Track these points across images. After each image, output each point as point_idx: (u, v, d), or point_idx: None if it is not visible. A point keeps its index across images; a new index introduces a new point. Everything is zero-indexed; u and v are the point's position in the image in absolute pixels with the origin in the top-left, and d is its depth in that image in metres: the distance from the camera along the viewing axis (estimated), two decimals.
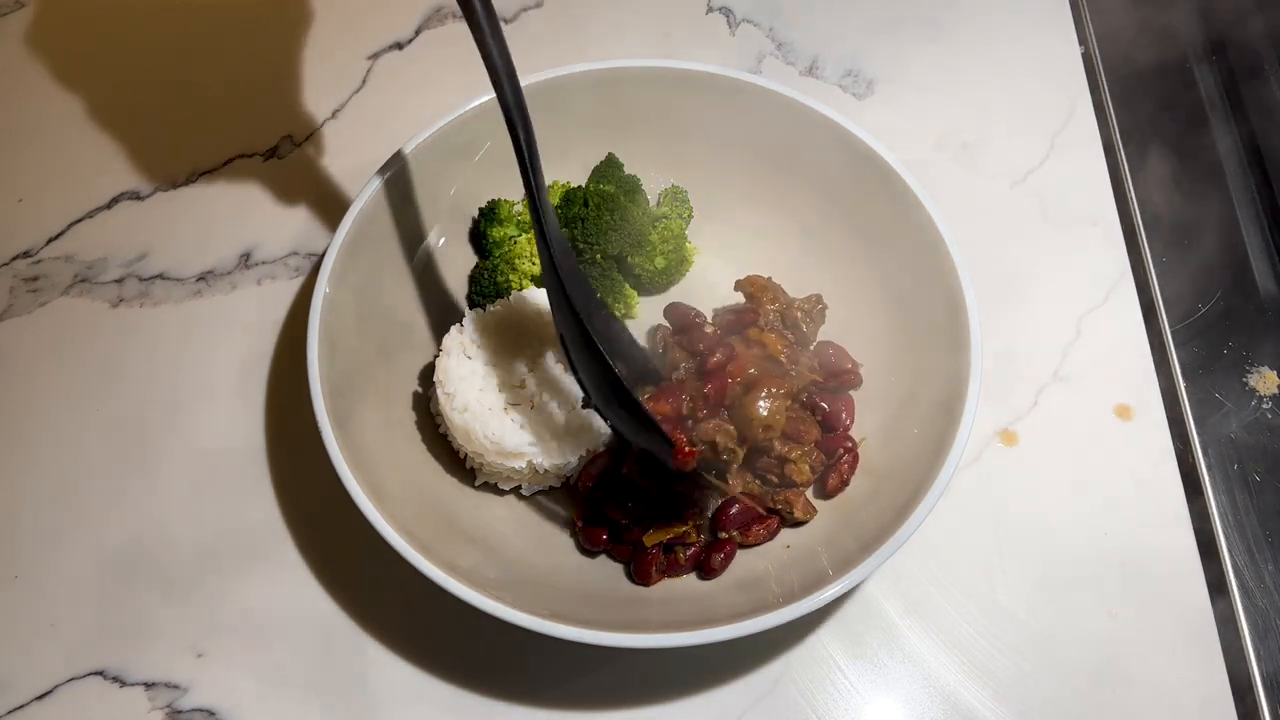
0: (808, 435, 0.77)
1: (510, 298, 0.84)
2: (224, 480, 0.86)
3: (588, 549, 0.78)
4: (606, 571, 0.77)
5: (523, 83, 0.87)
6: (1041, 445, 0.86)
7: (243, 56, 1.12)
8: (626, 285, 0.90)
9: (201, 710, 0.76)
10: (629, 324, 0.90)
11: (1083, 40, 1.11)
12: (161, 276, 0.97)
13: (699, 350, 0.79)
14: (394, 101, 1.08)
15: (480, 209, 0.92)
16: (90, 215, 1.01)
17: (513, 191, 0.93)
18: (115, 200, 1.02)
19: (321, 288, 0.79)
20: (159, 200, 1.02)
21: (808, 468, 0.77)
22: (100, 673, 0.78)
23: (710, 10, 1.14)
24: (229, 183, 1.03)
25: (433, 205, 0.89)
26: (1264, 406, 0.88)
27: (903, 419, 0.79)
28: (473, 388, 0.78)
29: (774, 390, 0.75)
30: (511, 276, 0.87)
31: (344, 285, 0.80)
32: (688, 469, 0.69)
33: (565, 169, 0.92)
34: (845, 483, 0.78)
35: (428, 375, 0.84)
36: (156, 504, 0.85)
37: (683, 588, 0.76)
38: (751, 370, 0.77)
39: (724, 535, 0.76)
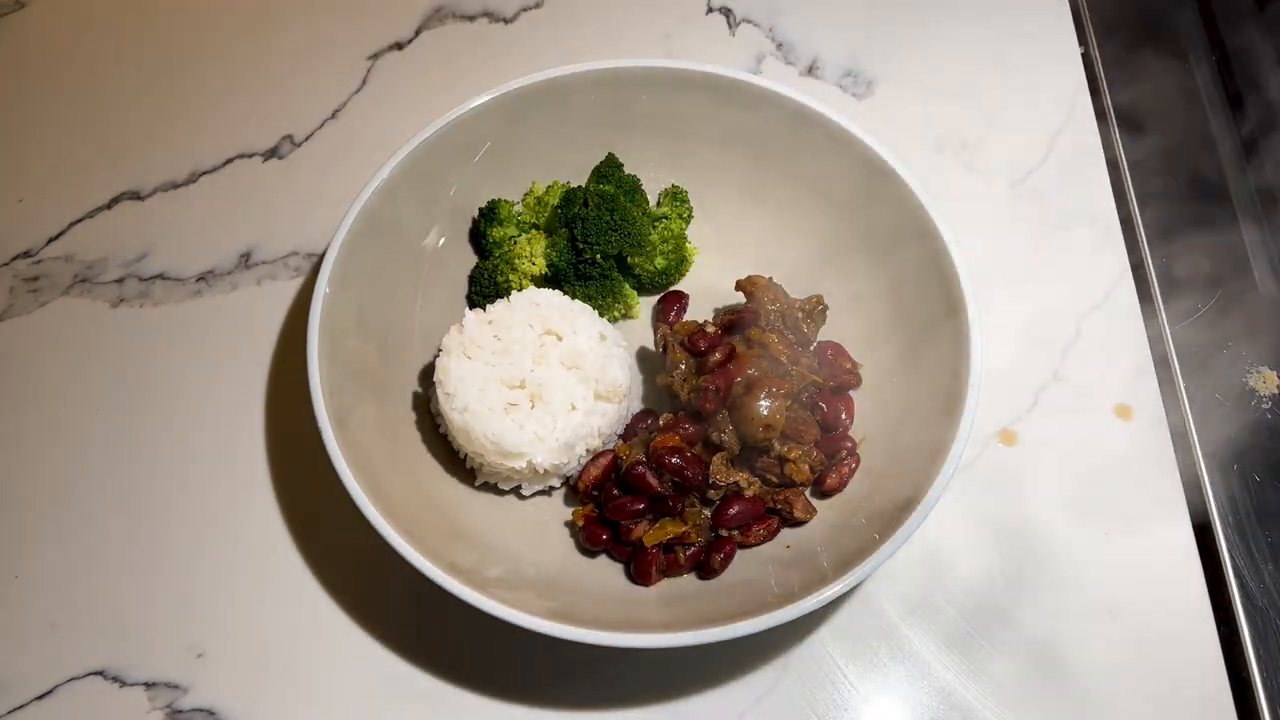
0: (808, 435, 0.77)
1: (510, 298, 0.84)
2: (224, 480, 0.86)
3: (588, 549, 0.78)
4: (606, 571, 0.77)
5: (523, 83, 0.88)
6: (1041, 445, 0.86)
7: (243, 56, 1.12)
8: (626, 285, 0.90)
9: (201, 710, 0.76)
10: (629, 324, 0.91)
11: (1083, 40, 1.11)
12: (161, 276, 0.97)
13: (700, 350, 0.79)
14: (394, 101, 1.08)
15: (480, 209, 0.92)
16: (90, 215, 1.02)
17: (513, 191, 0.93)
18: (115, 200, 1.02)
19: (321, 288, 0.79)
20: (159, 200, 1.02)
21: (808, 468, 0.77)
22: (100, 673, 0.78)
23: (710, 10, 1.14)
24: (229, 183, 1.03)
25: (433, 205, 0.89)
26: (1264, 406, 0.88)
27: (902, 419, 0.79)
28: (473, 388, 0.78)
29: (774, 390, 0.76)
30: (511, 276, 0.87)
31: (344, 285, 0.80)
32: None
33: (565, 169, 0.92)
34: (845, 483, 0.78)
35: (428, 375, 0.84)
36: (156, 503, 0.85)
37: (683, 588, 0.76)
38: (751, 370, 0.77)
39: (724, 535, 0.76)
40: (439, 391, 0.79)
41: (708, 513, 0.78)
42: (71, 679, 0.78)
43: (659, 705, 0.75)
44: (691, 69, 0.89)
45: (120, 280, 0.97)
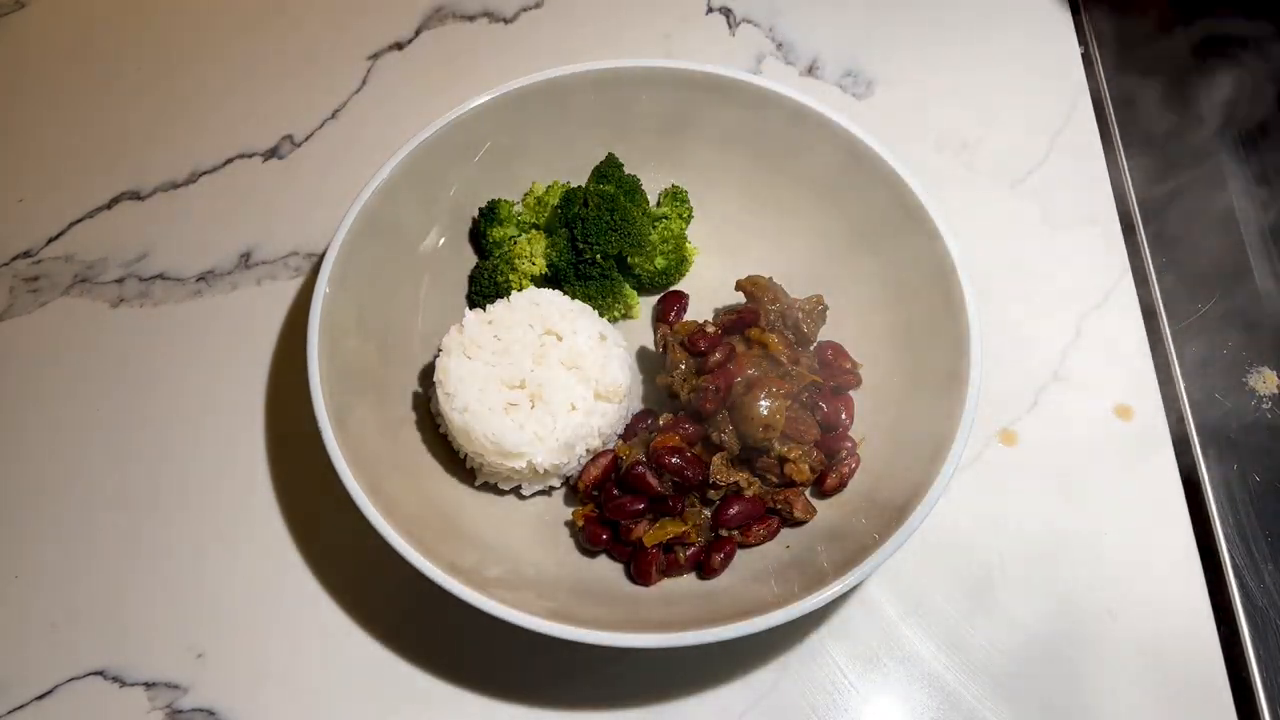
0: (808, 435, 0.77)
1: (510, 298, 0.84)
2: (224, 480, 0.86)
3: (588, 549, 0.78)
4: (606, 571, 0.77)
5: (523, 83, 0.88)
6: (1041, 445, 0.86)
7: (243, 56, 1.12)
8: (626, 285, 0.90)
9: (201, 710, 0.76)
10: (629, 324, 0.91)
11: (1083, 40, 1.11)
12: (161, 276, 0.97)
13: (700, 350, 0.79)
14: (394, 101, 1.08)
15: (480, 209, 0.92)
16: (90, 215, 1.02)
17: (513, 191, 0.93)
18: (115, 200, 1.02)
19: (321, 288, 0.79)
20: (159, 200, 1.02)
21: (807, 468, 0.77)
22: (100, 673, 0.78)
23: (710, 10, 1.14)
24: (229, 183, 1.03)
25: (433, 205, 0.89)
26: (1264, 406, 0.88)
27: (902, 419, 0.79)
28: (473, 388, 0.78)
29: (774, 390, 0.76)
30: (511, 276, 0.87)
31: (344, 285, 0.80)
32: None
33: (565, 169, 0.92)
34: (845, 483, 0.78)
35: (428, 375, 0.84)
36: (156, 503, 0.85)
37: (683, 588, 0.76)
38: (751, 370, 0.77)
39: (724, 535, 0.76)
40: (439, 391, 0.79)
41: (708, 513, 0.78)
42: (71, 679, 0.78)
43: (659, 705, 0.75)
44: (691, 69, 0.89)
45: (120, 280, 0.97)
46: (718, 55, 1.11)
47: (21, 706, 0.77)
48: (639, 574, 0.75)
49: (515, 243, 0.89)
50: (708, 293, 0.90)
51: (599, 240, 0.86)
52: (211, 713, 0.76)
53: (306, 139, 1.06)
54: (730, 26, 1.13)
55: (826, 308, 0.84)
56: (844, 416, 0.82)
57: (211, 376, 0.91)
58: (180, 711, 0.76)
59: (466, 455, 0.80)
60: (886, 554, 0.68)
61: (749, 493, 0.77)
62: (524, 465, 0.77)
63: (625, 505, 0.75)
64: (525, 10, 1.15)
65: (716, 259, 0.92)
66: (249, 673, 0.78)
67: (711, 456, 0.77)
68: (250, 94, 1.09)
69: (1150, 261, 0.95)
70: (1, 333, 0.95)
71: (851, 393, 0.83)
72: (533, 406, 0.78)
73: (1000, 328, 0.89)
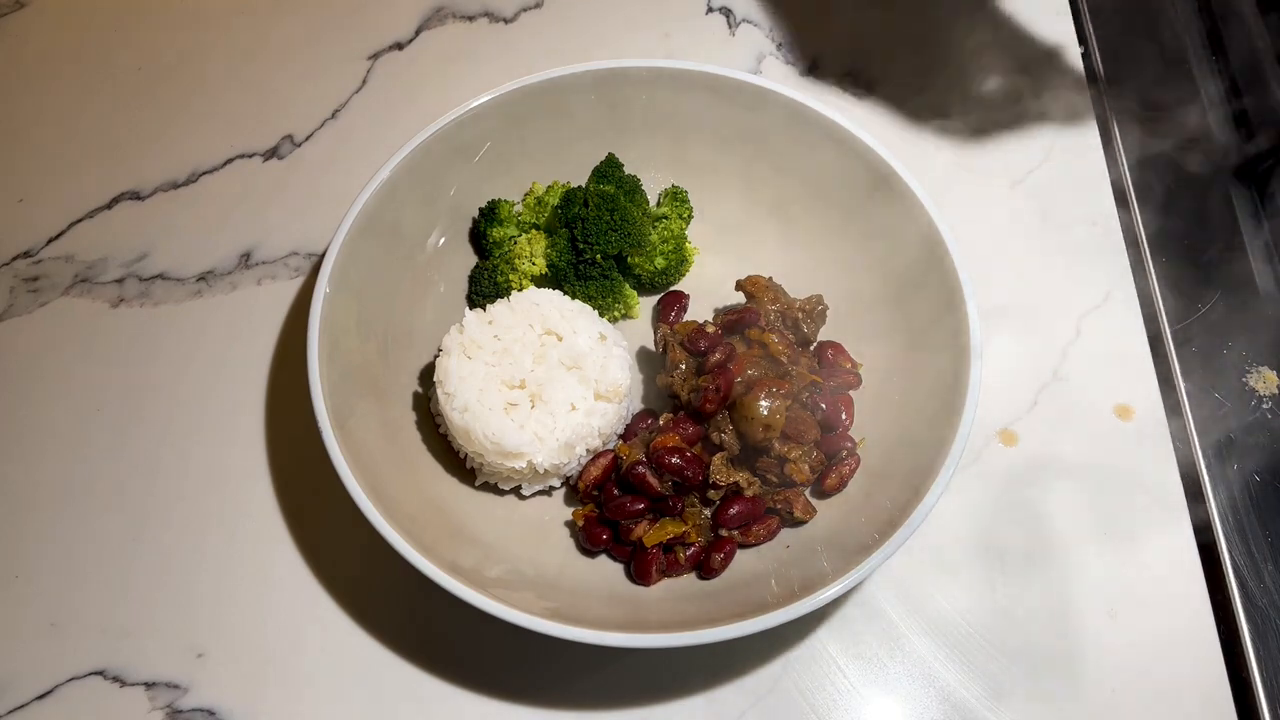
0: (808, 435, 0.77)
1: (510, 298, 0.84)
2: (224, 480, 0.86)
3: (588, 549, 0.78)
4: (606, 571, 0.77)
5: (523, 83, 0.88)
6: (1041, 445, 0.86)
7: (243, 56, 1.12)
8: (626, 285, 0.90)
9: (201, 710, 0.76)
10: (629, 324, 0.91)
11: (1083, 40, 1.11)
12: (161, 276, 0.97)
13: (700, 350, 0.79)
14: (394, 101, 1.08)
15: (480, 209, 0.92)
16: (90, 215, 1.02)
17: (513, 191, 0.93)
18: (115, 200, 1.02)
19: (321, 288, 0.79)
20: (159, 200, 1.02)
21: (807, 468, 0.77)
22: (100, 673, 0.78)
23: (710, 10, 1.14)
24: (229, 183, 1.03)
25: (433, 205, 0.90)
26: (1264, 406, 0.88)
27: (902, 419, 0.79)
28: (473, 388, 0.78)
29: (774, 390, 0.76)
30: (511, 276, 0.87)
31: (344, 285, 0.80)
32: None
33: (565, 169, 0.92)
34: (844, 483, 0.78)
35: (428, 375, 0.84)
36: (156, 503, 0.85)
37: (683, 588, 0.76)
38: (751, 370, 0.78)
39: (724, 535, 0.76)
40: (439, 391, 0.79)
41: (708, 513, 0.78)
42: (71, 679, 0.78)
43: (659, 705, 0.75)
44: (691, 69, 0.89)
45: (120, 280, 0.97)
46: (718, 55, 1.11)
47: (21, 706, 0.77)
48: (639, 574, 0.75)
49: (515, 243, 0.89)
50: (708, 293, 0.90)
51: (599, 240, 0.86)
52: (211, 713, 0.76)
53: (306, 139, 1.06)
54: (730, 26, 1.13)
55: (826, 308, 0.84)
56: (844, 416, 0.82)
57: (211, 377, 0.91)
58: (180, 711, 0.76)
59: (466, 455, 0.80)
60: (886, 554, 0.68)
61: (749, 493, 0.77)
62: (524, 465, 0.77)
63: (625, 505, 0.75)
64: (525, 10, 1.15)
65: (716, 259, 0.92)
66: (249, 673, 0.77)
67: (711, 456, 0.77)
68: (250, 94, 1.09)
69: (1150, 261, 0.95)
70: (1, 333, 0.95)
71: (851, 393, 0.83)
72: (533, 406, 0.78)
73: (1000, 328, 0.89)
